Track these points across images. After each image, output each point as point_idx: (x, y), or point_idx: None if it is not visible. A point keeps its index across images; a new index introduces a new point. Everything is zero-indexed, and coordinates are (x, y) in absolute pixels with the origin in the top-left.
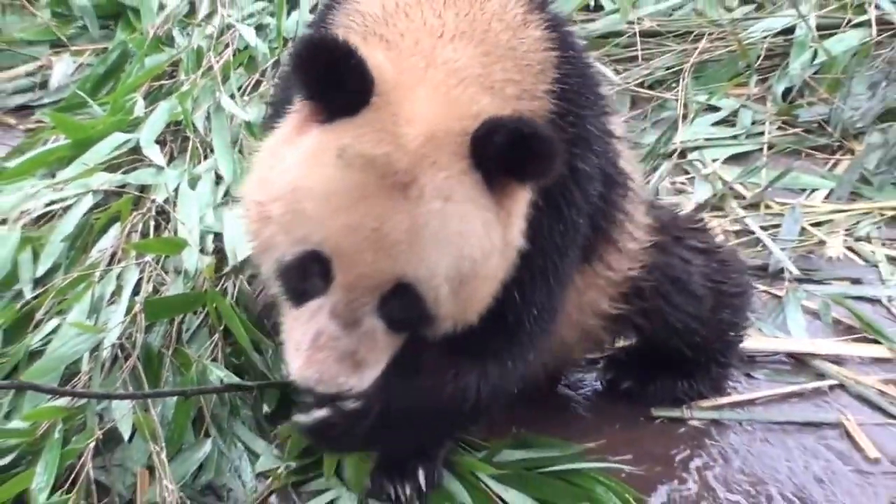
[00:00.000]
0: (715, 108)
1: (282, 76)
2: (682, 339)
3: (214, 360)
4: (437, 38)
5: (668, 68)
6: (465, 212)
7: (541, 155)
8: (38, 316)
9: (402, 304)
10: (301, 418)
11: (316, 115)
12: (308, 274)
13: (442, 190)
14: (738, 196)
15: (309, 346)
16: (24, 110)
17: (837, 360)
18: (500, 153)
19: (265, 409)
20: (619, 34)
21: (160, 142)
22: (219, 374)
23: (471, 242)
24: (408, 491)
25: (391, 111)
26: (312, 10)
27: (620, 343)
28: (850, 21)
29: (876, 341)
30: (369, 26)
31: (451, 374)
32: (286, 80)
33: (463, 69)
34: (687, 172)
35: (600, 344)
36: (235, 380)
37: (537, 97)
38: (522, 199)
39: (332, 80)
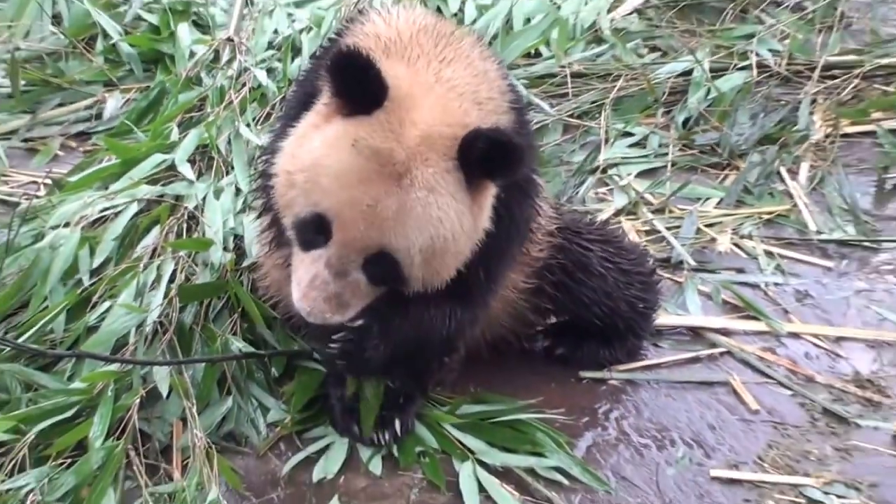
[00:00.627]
0: (630, 134)
1: (298, 82)
2: (591, 310)
3: (234, 334)
4: (440, 62)
5: (592, 102)
6: (444, 202)
7: (513, 159)
8: (94, 299)
9: (382, 265)
10: (326, 350)
11: (340, 110)
12: (315, 229)
13: (429, 182)
14: (648, 203)
15: (307, 284)
16: (82, 136)
17: (725, 333)
18: (480, 157)
19: (274, 373)
20: (553, 76)
21: (191, 161)
22: (238, 346)
23: (445, 226)
24: (387, 436)
25: (400, 114)
26: (312, 56)
27: (553, 320)
28: (735, 65)
29: (756, 318)
30: (390, 48)
31: (430, 310)
32: (302, 84)
33: (460, 87)
34: (607, 185)
35: (524, 317)
36: (251, 349)
37: (506, 112)
38: (490, 193)
39: (356, 83)
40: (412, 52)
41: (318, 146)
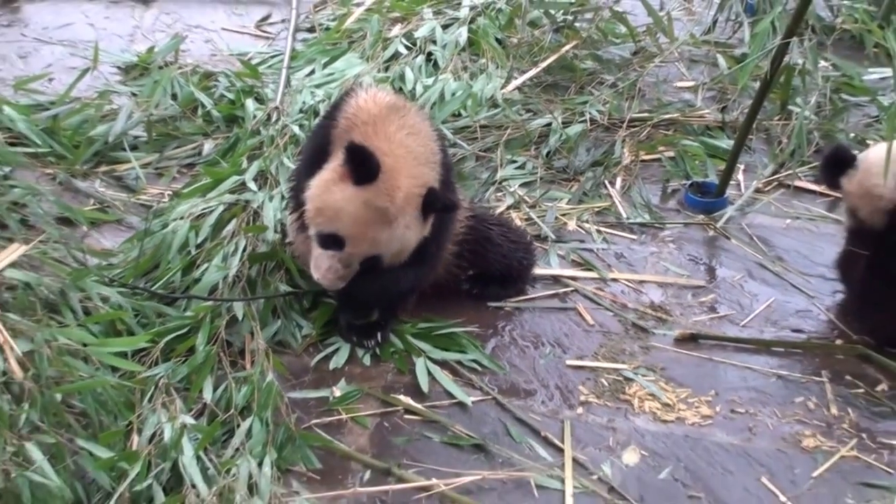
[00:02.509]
0: (515, 161)
1: (314, 132)
2: (494, 265)
3: (281, 282)
4: (405, 134)
5: (492, 142)
6: (411, 231)
7: (450, 208)
8: (198, 262)
9: (371, 261)
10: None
11: (352, 178)
12: (333, 240)
13: (406, 223)
14: (526, 202)
15: (325, 269)
16: (190, 166)
17: (574, 279)
18: (432, 207)
19: (305, 304)
20: (469, 127)
21: (254, 180)
22: (284, 287)
23: (407, 239)
24: (373, 343)
25: (391, 183)
26: (323, 116)
27: (471, 273)
28: (577, 119)
29: (591, 270)
30: (376, 123)
31: (399, 275)
32: (316, 134)
33: (419, 155)
34: (502, 192)
35: (453, 271)
36: (290, 290)
37: (438, 169)
38: (431, 217)
39: (364, 167)
40: (388, 127)
41: (340, 199)
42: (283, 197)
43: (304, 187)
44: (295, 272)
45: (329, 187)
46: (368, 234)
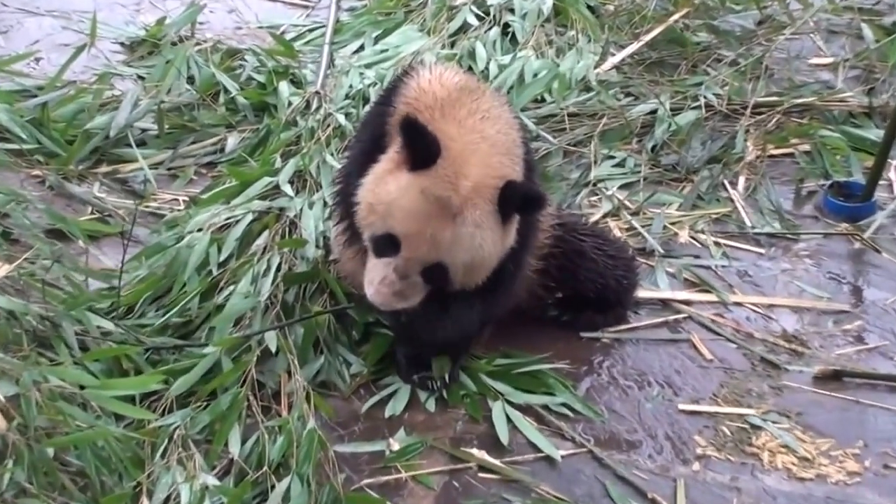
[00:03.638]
0: (612, 157)
1: (365, 121)
2: (588, 286)
3: (325, 307)
4: (480, 119)
5: (584, 134)
6: (485, 235)
7: (536, 204)
8: (221, 285)
9: (436, 272)
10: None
11: (407, 163)
12: (387, 244)
13: (476, 221)
14: (627, 208)
15: (379, 282)
16: (210, 165)
17: (687, 303)
18: (512, 203)
19: (355, 336)
20: (555, 115)
21: (290, 182)
22: (325, 318)
23: (484, 250)
24: (437, 384)
25: (455, 169)
26: (377, 101)
27: (560, 296)
28: (689, 105)
29: (708, 291)
30: (444, 107)
31: (468, 306)
32: (369, 123)
33: (495, 142)
34: (597, 195)
35: (537, 293)
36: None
37: (520, 164)
38: (516, 222)
39: (421, 146)
40: (459, 111)
41: (394, 190)
42: (325, 203)
43: (352, 190)
44: (341, 296)
45: (383, 178)
46: (427, 232)
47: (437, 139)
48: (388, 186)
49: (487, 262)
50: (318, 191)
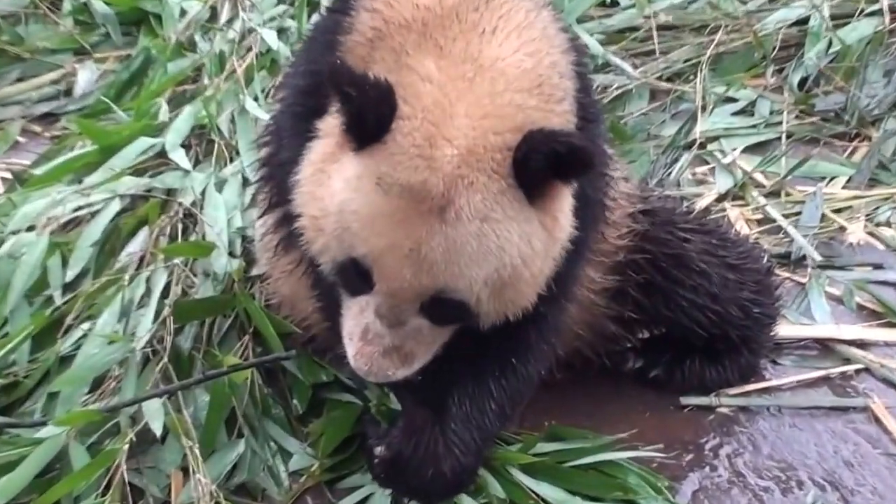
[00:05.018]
0: (733, 99)
1: (305, 47)
2: (692, 318)
3: (245, 359)
4: (481, 34)
5: (685, 61)
6: (503, 228)
7: (581, 164)
8: (68, 321)
9: (443, 307)
10: (377, 449)
11: (349, 140)
12: (355, 273)
13: (479, 211)
14: (759, 185)
15: (359, 338)
16: (49, 118)
17: (862, 345)
18: (542, 167)
19: (297, 407)
20: (636, 28)
21: (185, 146)
22: (246, 375)
23: (511, 253)
24: (437, 486)
25: (427, 131)
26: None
27: (644, 334)
28: (862, 10)
29: None
30: (428, 27)
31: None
32: (311, 54)
33: (513, 72)
34: (707, 163)
35: (605, 328)
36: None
37: (567, 106)
38: (566, 196)
39: (359, 108)
40: (448, 29)
41: (340, 188)
42: (245, 181)
43: (288, 160)
44: (273, 339)
45: (324, 170)
46: (403, 245)
47: (388, 90)
48: (331, 184)
49: (526, 270)
50: (232, 160)
